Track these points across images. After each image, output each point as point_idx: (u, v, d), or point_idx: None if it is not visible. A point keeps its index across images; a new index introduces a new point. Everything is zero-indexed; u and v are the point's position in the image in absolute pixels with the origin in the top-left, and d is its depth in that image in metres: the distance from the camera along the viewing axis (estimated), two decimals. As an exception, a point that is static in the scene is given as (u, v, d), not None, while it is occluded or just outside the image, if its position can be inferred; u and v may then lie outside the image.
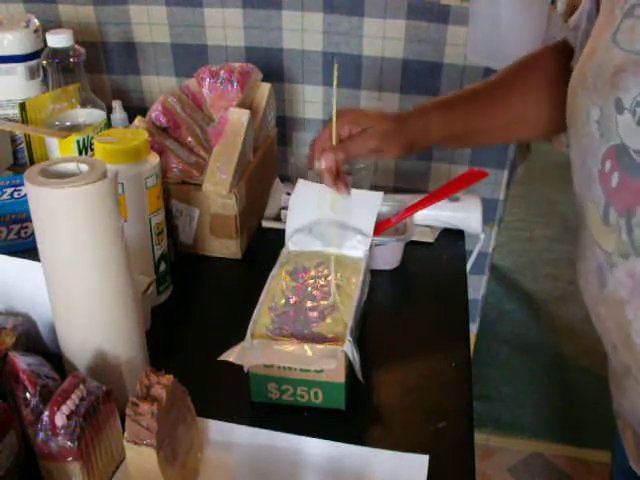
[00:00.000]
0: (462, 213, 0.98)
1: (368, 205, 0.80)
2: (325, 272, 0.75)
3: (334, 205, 0.78)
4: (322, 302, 0.70)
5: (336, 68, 0.74)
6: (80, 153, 0.94)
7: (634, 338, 0.57)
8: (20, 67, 1.06)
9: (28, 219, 0.86)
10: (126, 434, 0.53)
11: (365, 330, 0.78)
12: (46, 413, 0.54)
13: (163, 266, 0.83)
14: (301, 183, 0.82)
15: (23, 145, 1.04)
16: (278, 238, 0.82)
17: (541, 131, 0.85)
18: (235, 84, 0.95)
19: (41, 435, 0.54)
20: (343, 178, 0.77)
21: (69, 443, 0.54)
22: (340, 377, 0.65)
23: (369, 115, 0.77)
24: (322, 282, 0.74)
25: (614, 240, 0.56)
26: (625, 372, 0.61)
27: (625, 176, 0.53)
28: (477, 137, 0.84)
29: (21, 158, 1.08)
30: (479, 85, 0.82)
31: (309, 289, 0.73)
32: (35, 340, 0.72)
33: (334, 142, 0.75)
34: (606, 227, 0.57)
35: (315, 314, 0.69)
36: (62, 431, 0.54)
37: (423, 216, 0.96)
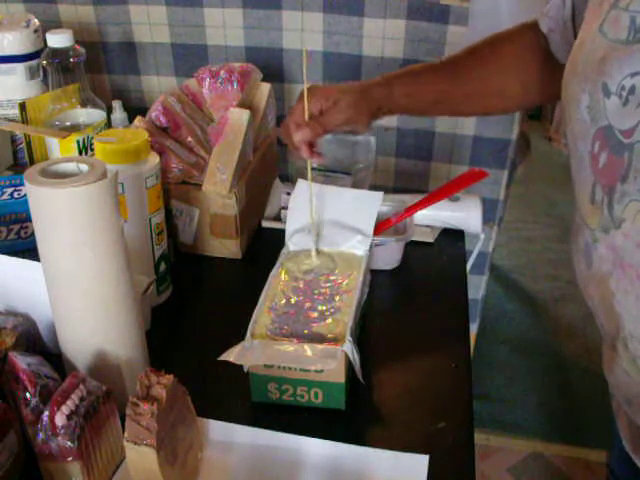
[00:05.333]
0: (462, 213, 0.98)
1: (368, 205, 0.80)
2: (325, 272, 0.75)
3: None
4: (322, 302, 0.70)
5: (305, 52, 0.78)
6: (80, 153, 0.94)
7: (617, 309, 0.59)
8: (20, 67, 1.06)
9: (28, 219, 0.86)
10: (126, 434, 0.53)
11: (365, 330, 0.78)
12: (46, 413, 0.54)
13: (163, 266, 0.83)
14: (301, 183, 0.82)
15: (23, 145, 1.03)
16: (278, 238, 0.82)
17: (510, 105, 0.89)
18: (235, 84, 0.95)
19: (41, 435, 0.54)
20: (317, 150, 0.81)
21: (69, 443, 0.54)
22: (340, 377, 0.65)
23: (336, 88, 0.81)
24: (322, 282, 0.74)
25: (597, 217, 0.59)
26: (611, 348, 0.63)
27: (611, 155, 0.56)
28: (442, 107, 0.88)
29: (21, 158, 1.08)
30: (449, 57, 0.86)
31: (309, 289, 0.73)
32: (35, 340, 0.72)
33: (306, 118, 0.78)
34: (592, 206, 0.59)
35: (315, 314, 0.69)
36: (62, 431, 0.54)
37: (423, 216, 0.96)
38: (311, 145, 0.79)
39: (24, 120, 0.99)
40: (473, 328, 1.47)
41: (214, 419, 0.65)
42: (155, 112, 0.93)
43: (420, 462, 0.61)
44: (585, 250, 0.62)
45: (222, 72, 0.96)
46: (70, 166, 0.60)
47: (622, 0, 0.57)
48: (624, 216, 0.56)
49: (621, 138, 0.55)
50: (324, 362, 0.62)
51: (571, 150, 0.63)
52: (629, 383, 0.61)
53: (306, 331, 0.66)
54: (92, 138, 0.94)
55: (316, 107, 0.79)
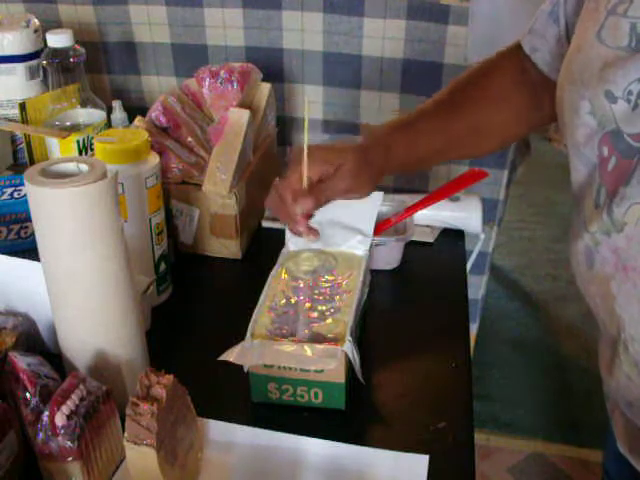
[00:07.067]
0: (462, 213, 0.98)
1: (368, 205, 0.80)
2: (325, 272, 0.75)
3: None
4: (322, 302, 0.70)
5: (307, 103, 0.74)
6: (80, 153, 0.94)
7: (618, 312, 0.59)
8: (20, 67, 1.06)
9: (28, 219, 0.86)
10: (126, 434, 0.53)
11: (365, 330, 0.78)
12: (46, 413, 0.54)
13: (163, 266, 0.83)
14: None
15: (23, 145, 1.04)
16: (278, 238, 0.82)
17: (509, 137, 0.85)
18: (235, 84, 0.95)
19: (41, 435, 0.54)
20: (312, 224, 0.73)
21: (69, 443, 0.54)
22: (340, 377, 0.65)
23: (335, 151, 0.73)
24: (322, 282, 0.74)
25: (596, 221, 0.59)
26: (612, 350, 0.62)
27: (620, 159, 0.56)
28: (443, 154, 0.83)
29: (21, 158, 1.08)
30: (438, 100, 0.80)
31: (309, 289, 0.73)
32: (35, 340, 0.72)
33: (304, 185, 0.69)
34: (596, 209, 0.59)
35: (315, 314, 0.69)
36: (62, 431, 0.54)
37: (423, 216, 0.96)
38: (307, 217, 0.71)
39: (24, 120, 0.99)
40: (473, 328, 1.47)
41: (214, 419, 0.65)
42: (155, 112, 0.94)
43: (420, 462, 0.61)
44: (586, 252, 0.61)
45: (222, 72, 0.96)
46: (70, 166, 0.60)
47: (620, 6, 0.56)
48: (626, 220, 0.55)
49: (630, 142, 0.55)
50: (324, 362, 0.62)
51: (572, 154, 0.63)
52: (629, 386, 0.61)
53: (306, 331, 0.66)
54: (92, 138, 0.94)
55: (316, 173, 0.70)
